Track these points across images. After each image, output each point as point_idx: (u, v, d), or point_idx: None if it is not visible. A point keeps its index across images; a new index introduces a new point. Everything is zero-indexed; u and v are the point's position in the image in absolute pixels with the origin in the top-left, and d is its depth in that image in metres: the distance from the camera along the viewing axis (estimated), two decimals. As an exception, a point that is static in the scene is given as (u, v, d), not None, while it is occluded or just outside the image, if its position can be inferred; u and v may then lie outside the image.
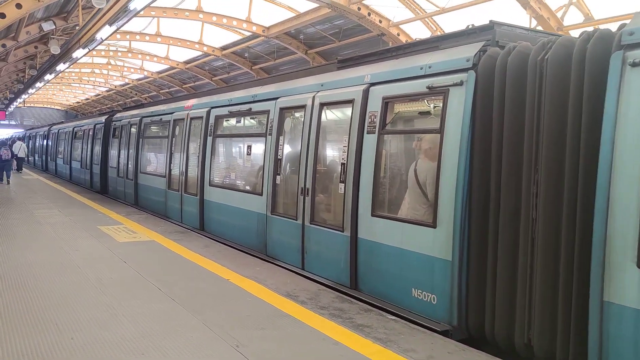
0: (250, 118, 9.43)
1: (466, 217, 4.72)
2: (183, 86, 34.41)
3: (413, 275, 5.36)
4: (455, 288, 4.75)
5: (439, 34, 17.07)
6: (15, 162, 25.80)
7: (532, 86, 4.21)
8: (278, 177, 7.89)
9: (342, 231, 6.40)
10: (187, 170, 11.23)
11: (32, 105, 57.26)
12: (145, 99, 40.74)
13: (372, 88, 6.14)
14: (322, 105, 7.04)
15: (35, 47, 22.34)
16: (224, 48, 25.21)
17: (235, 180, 10.02)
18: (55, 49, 16.02)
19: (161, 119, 13.13)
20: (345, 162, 6.38)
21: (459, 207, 4.71)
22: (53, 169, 28.09)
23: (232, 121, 10.17)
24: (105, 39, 12.75)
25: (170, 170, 12.19)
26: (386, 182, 6.25)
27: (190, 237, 9.65)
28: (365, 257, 6.11)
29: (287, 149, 7.98)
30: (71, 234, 9.46)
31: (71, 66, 23.96)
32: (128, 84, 40.44)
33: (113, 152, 17.05)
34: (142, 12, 17.00)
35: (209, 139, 10.22)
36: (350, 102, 6.42)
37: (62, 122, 32.85)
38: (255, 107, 8.86)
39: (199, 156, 10.55)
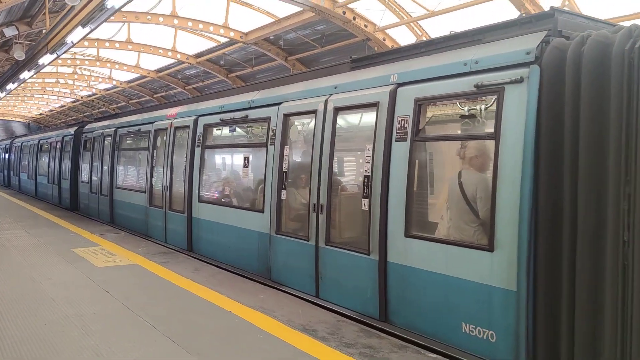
0: (247, 126, 8.57)
1: (532, 239, 3.98)
2: (154, 96, 33.13)
3: (463, 307, 4.56)
4: (522, 323, 4.00)
5: (424, 39, 16.61)
6: None
7: (619, 81, 3.54)
8: (284, 192, 7.06)
9: (368, 254, 5.59)
10: (172, 185, 10.28)
11: (-9, 117, 54.75)
12: (114, 109, 39.20)
13: (400, 89, 5.40)
14: (337, 110, 6.25)
15: (-4, 55, 20.95)
16: (198, 55, 24.20)
17: (229, 196, 9.07)
18: (19, 54, 14.80)
19: (139, 129, 12.07)
20: (369, 174, 5.61)
21: (525, 227, 3.98)
22: (16, 184, 26.68)
23: (225, 130, 9.29)
24: (77, 43, 11.72)
25: (151, 185, 11.20)
26: (423, 197, 5.49)
27: (176, 258, 8.72)
28: (398, 285, 5.31)
29: (294, 161, 7.19)
30: (42, 259, 8.41)
31: (35, 76, 22.60)
32: (95, 94, 38.80)
33: (84, 166, 15.92)
34: (112, 17, 16.00)
35: (197, 150, 9.32)
36: (373, 105, 5.67)
37: (25, 135, 31.38)
38: (253, 114, 8.04)
39: (185, 169, 9.60)
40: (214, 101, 9.53)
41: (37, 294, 6.26)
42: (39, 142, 22.16)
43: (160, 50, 23.75)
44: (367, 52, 16.54)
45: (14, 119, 58.96)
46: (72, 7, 9.54)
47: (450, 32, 5.51)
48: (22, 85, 26.59)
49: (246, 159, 8.57)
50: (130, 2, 8.68)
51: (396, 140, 5.31)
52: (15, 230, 11.51)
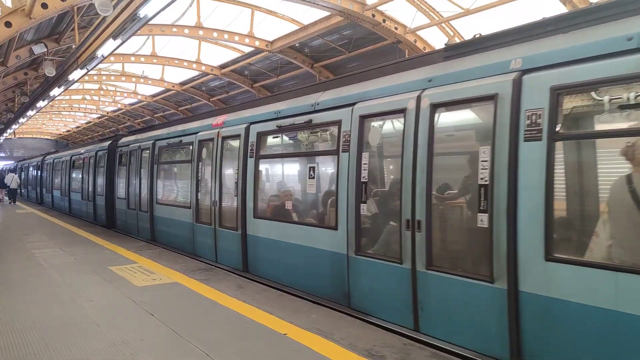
0: (311, 132, 7.55)
1: None
2: (179, 109, 33.22)
3: None
4: None
5: (457, 39, 16.12)
6: (6, 194, 27.33)
7: None
8: (364, 206, 6.25)
9: (491, 282, 4.67)
10: (222, 200, 9.47)
11: (21, 136, 55.74)
12: (139, 124, 39.49)
13: (527, 76, 4.53)
14: (435, 106, 5.36)
15: (25, 74, 21.08)
16: (222, 66, 24.12)
17: (292, 211, 8.20)
18: (50, 71, 14.75)
19: (181, 140, 11.29)
20: (487, 182, 4.70)
21: None
22: (49, 201, 26.21)
23: (283, 138, 8.49)
24: (107, 56, 11.57)
25: (198, 200, 10.40)
26: (568, 210, 4.73)
27: (217, 275, 8.36)
28: (538, 320, 4.35)
29: (375, 169, 6.50)
30: (80, 278, 8.13)
31: (62, 93, 22.73)
32: (120, 109, 39.17)
33: (121, 182, 15.23)
34: (139, 31, 15.89)
35: (251, 161, 8.54)
36: (488, 98, 4.81)
37: (56, 151, 31.46)
38: (319, 118, 7.20)
39: (237, 183, 8.86)
40: (268, 106, 8.64)
41: (80, 318, 5.93)
42: (71, 158, 21.73)
43: (185, 63, 23.73)
44: (397, 56, 16.15)
45: (42, 136, 60.04)
46: (103, 19, 9.35)
47: (591, 4, 4.57)
48: (50, 103, 26.84)
49: (311, 169, 7.54)
50: (163, 10, 8.38)
51: (525, 140, 4.44)
52: (51, 248, 11.31)
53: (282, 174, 9.65)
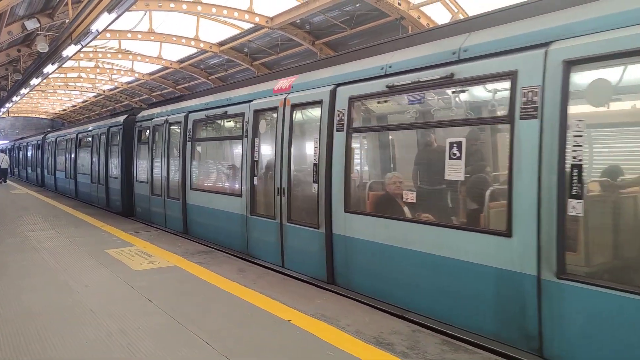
0: (454, 93, 5.29)
1: None
2: (177, 87, 32.71)
3: None
4: None
5: (461, 16, 15.68)
6: None
7: None
8: (576, 203, 4.00)
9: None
10: (291, 186, 7.43)
11: (16, 115, 55.10)
12: (136, 102, 38.97)
13: None
14: None
15: (18, 50, 20.60)
16: (221, 44, 23.61)
17: (414, 204, 5.90)
18: (42, 46, 14.30)
19: (226, 112, 9.16)
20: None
21: None
22: (52, 183, 24.08)
23: (393, 103, 6.49)
24: (102, 31, 11.14)
25: (252, 186, 8.35)
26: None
27: (217, 258, 8.13)
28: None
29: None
30: (75, 262, 7.87)
31: (57, 71, 22.25)
32: (117, 87, 38.60)
33: (141, 163, 13.11)
34: (135, 7, 15.41)
35: (340, 135, 6.46)
36: None
37: (58, 129, 30.63)
38: (469, 69, 4.97)
39: (317, 164, 6.82)
40: (368, 61, 6.41)
41: (75, 305, 5.68)
42: (77, 135, 19.42)
43: (183, 40, 23.24)
44: (400, 32, 15.72)
45: (37, 115, 59.43)
46: (97, -9, 8.95)
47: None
48: (45, 80, 26.34)
49: (454, 145, 5.02)
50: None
51: None
52: (46, 230, 11.05)
53: (390, 153, 7.38)
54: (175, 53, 27.07)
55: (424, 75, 5.39)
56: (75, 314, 5.37)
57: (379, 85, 5.98)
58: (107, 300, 5.88)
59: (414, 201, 5.88)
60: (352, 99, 6.38)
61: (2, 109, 33.09)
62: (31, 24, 14.89)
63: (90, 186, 17.28)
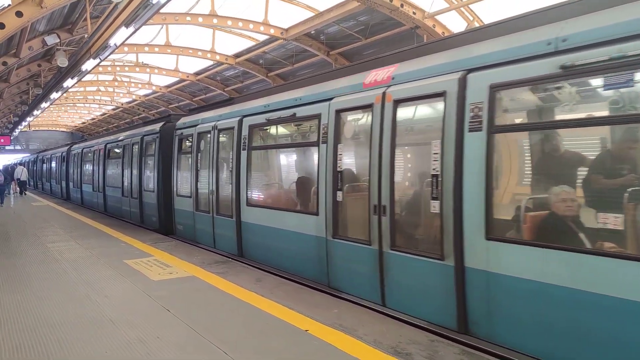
0: None
1: None
2: (193, 99, 33.08)
3: None
4: None
5: (476, 24, 15.67)
6: (17, 186, 28.17)
7: None
8: None
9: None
10: (394, 205, 5.93)
11: (37, 128, 56.20)
12: (153, 115, 39.46)
13: None
14: None
15: (39, 65, 21.05)
16: (237, 55, 23.87)
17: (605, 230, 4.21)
18: (62, 61, 14.61)
19: (294, 114, 7.79)
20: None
21: None
22: (77, 197, 23.17)
23: (569, 92, 4.59)
24: (120, 45, 11.35)
25: (335, 203, 6.81)
26: None
27: (235, 268, 8.16)
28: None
29: None
30: (95, 272, 7.96)
31: (76, 85, 22.66)
32: (135, 100, 39.19)
33: (183, 175, 11.88)
34: (152, 20, 15.67)
35: (474, 137, 4.97)
36: None
37: (84, 140, 30.55)
38: None
39: (437, 176, 5.33)
40: (527, 34, 4.79)
41: (96, 316, 5.75)
42: (105, 146, 18.32)
43: (199, 53, 23.52)
44: (415, 42, 15.74)
45: (57, 128, 60.53)
46: (115, 7, 9.12)
47: None
48: (65, 94, 26.85)
49: None
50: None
51: None
52: (66, 241, 11.20)
53: (561, 159, 5.05)
54: (191, 65, 27.46)
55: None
56: (96, 324, 5.43)
57: (543, 66, 4.48)
58: (126, 310, 5.93)
59: (612, 225, 4.13)
60: (495, 88, 4.86)
61: (24, 123, 33.73)
62: (51, 39, 15.22)
63: (121, 200, 16.11)
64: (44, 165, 34.46)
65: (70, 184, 25.09)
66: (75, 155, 23.76)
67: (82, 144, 24.05)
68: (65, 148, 27.56)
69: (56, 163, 29.57)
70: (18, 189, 28.06)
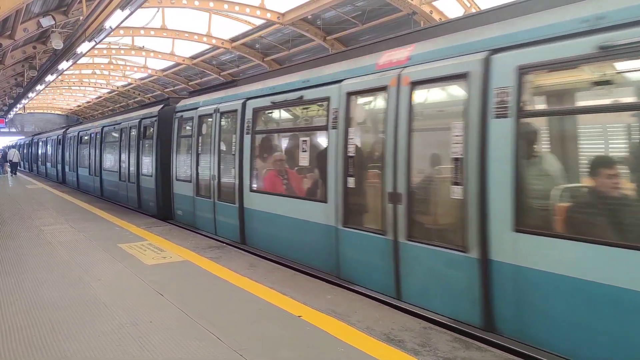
0: None
1: None
2: (189, 83, 32.86)
3: None
4: None
5: (473, 11, 15.55)
6: (9, 167, 31.74)
7: None
8: None
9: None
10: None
11: (32, 111, 55.76)
12: (149, 99, 39.20)
13: None
14: None
15: (34, 47, 20.82)
16: (233, 40, 23.68)
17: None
18: (57, 43, 14.46)
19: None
20: None
21: None
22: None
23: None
24: (115, 28, 11.23)
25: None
26: None
27: (229, 253, 8.17)
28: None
29: None
30: (89, 256, 7.97)
31: (72, 67, 22.45)
32: (130, 84, 38.91)
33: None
34: (148, 2, 15.50)
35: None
36: None
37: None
38: None
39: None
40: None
41: (89, 299, 5.76)
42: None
43: (196, 36, 23.32)
44: (412, 27, 15.63)
45: (53, 111, 60.15)
46: (110, -12, 9.01)
47: None
48: (60, 77, 26.63)
49: None
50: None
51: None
52: (60, 224, 11.18)
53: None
54: (187, 49, 27.24)
55: None
56: (89, 307, 5.44)
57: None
58: (119, 294, 5.94)
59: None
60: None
61: (19, 105, 33.52)
62: (46, 21, 15.04)
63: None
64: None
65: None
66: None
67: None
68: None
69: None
70: (9, 169, 31.06)
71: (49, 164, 30.74)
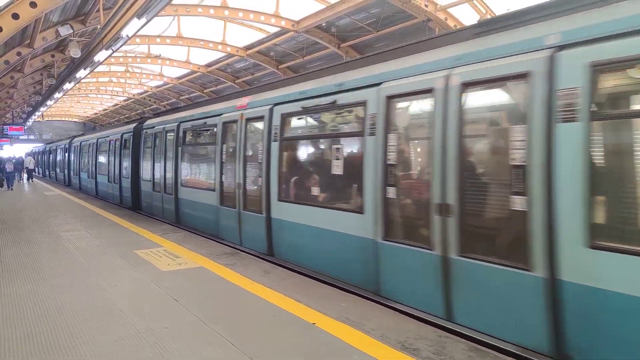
0: None
1: None
2: (204, 91, 33.15)
3: None
4: None
5: (488, 16, 15.50)
6: (25, 173, 32.84)
7: None
8: None
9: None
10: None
11: (50, 119, 56.64)
12: (165, 106, 39.62)
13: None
14: None
15: (52, 56, 21.21)
16: (248, 47, 23.87)
17: None
18: (75, 52, 14.72)
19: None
20: None
21: None
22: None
23: None
24: (132, 36, 11.39)
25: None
26: None
27: (243, 260, 8.18)
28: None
29: None
30: (105, 262, 8.04)
31: (89, 75, 22.83)
32: (147, 91, 39.35)
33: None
34: (164, 12, 15.69)
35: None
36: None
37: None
38: None
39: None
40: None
41: (105, 304, 5.81)
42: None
43: (211, 44, 23.53)
44: (427, 34, 15.62)
45: (70, 119, 60.99)
46: (127, -2, 9.15)
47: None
48: (77, 85, 27.04)
49: None
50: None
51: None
52: (78, 230, 11.31)
53: None
54: (202, 57, 27.51)
55: None
56: (105, 312, 5.48)
57: None
58: (135, 299, 5.99)
59: None
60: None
61: (37, 113, 34.19)
62: (64, 30, 15.31)
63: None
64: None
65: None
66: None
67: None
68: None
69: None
70: (26, 175, 32.65)
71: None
